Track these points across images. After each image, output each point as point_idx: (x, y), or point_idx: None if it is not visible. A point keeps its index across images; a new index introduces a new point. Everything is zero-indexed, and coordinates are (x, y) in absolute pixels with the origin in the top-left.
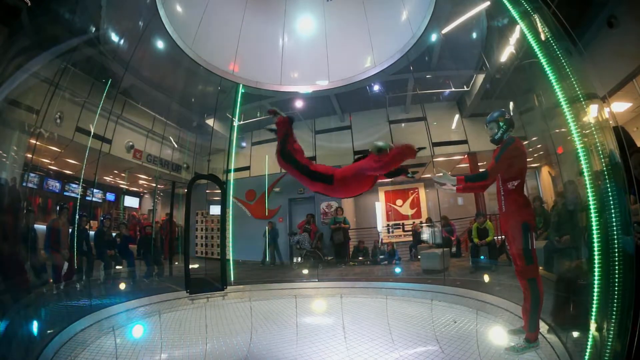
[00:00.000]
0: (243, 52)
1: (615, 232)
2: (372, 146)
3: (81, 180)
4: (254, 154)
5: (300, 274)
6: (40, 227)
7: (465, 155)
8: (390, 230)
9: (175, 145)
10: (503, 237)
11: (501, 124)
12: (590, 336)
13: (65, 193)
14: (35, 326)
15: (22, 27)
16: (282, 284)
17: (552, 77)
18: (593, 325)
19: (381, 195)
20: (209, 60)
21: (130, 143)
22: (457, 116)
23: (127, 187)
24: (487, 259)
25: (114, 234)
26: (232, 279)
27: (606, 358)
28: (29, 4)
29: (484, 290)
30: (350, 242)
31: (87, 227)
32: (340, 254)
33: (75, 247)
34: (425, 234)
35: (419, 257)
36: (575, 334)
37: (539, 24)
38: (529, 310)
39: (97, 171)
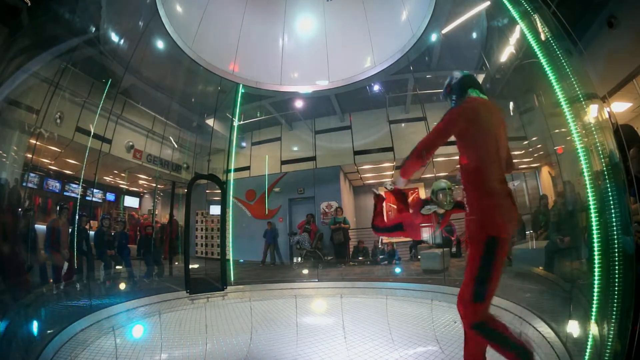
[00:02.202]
0: (243, 52)
1: (615, 232)
2: (436, 187)
3: (81, 180)
4: (254, 154)
5: (300, 274)
6: (40, 227)
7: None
8: None
9: (175, 145)
10: None
11: (451, 95)
12: (590, 336)
13: (65, 193)
14: (35, 326)
15: (22, 27)
16: (282, 284)
17: (552, 77)
18: (593, 325)
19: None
20: (209, 60)
21: (130, 143)
22: None
23: (127, 187)
24: None
25: (112, 233)
26: (232, 279)
27: (606, 358)
28: (29, 4)
29: None
30: (350, 242)
31: (87, 227)
32: (340, 254)
33: (75, 247)
34: (425, 234)
35: (419, 257)
36: (575, 334)
37: (539, 24)
38: None
39: (97, 171)
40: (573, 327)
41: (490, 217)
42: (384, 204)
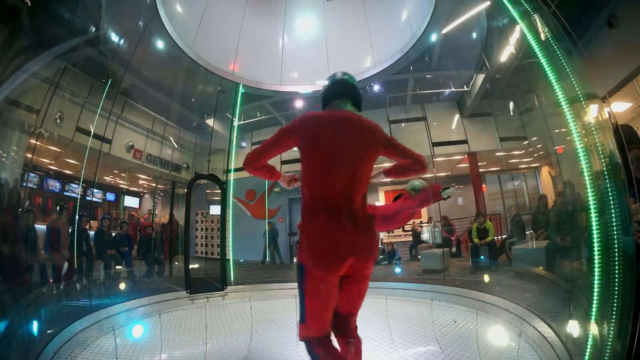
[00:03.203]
0: (243, 52)
1: (615, 232)
2: (409, 186)
3: (81, 180)
4: None
5: None
6: (40, 227)
7: (465, 155)
8: (390, 230)
9: (175, 145)
10: (503, 237)
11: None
12: (590, 336)
13: (65, 193)
14: (35, 326)
15: (22, 27)
16: (282, 284)
17: (552, 77)
18: (593, 325)
19: (381, 195)
20: (209, 60)
21: (130, 143)
22: (457, 116)
23: (127, 187)
24: (487, 259)
25: (113, 234)
26: (232, 279)
27: (606, 358)
28: (29, 4)
29: (484, 290)
30: None
31: (87, 227)
32: None
33: (75, 247)
34: (425, 234)
35: (419, 257)
36: (575, 334)
37: (539, 24)
38: None
39: (97, 171)
40: (573, 327)
41: (302, 244)
42: None
